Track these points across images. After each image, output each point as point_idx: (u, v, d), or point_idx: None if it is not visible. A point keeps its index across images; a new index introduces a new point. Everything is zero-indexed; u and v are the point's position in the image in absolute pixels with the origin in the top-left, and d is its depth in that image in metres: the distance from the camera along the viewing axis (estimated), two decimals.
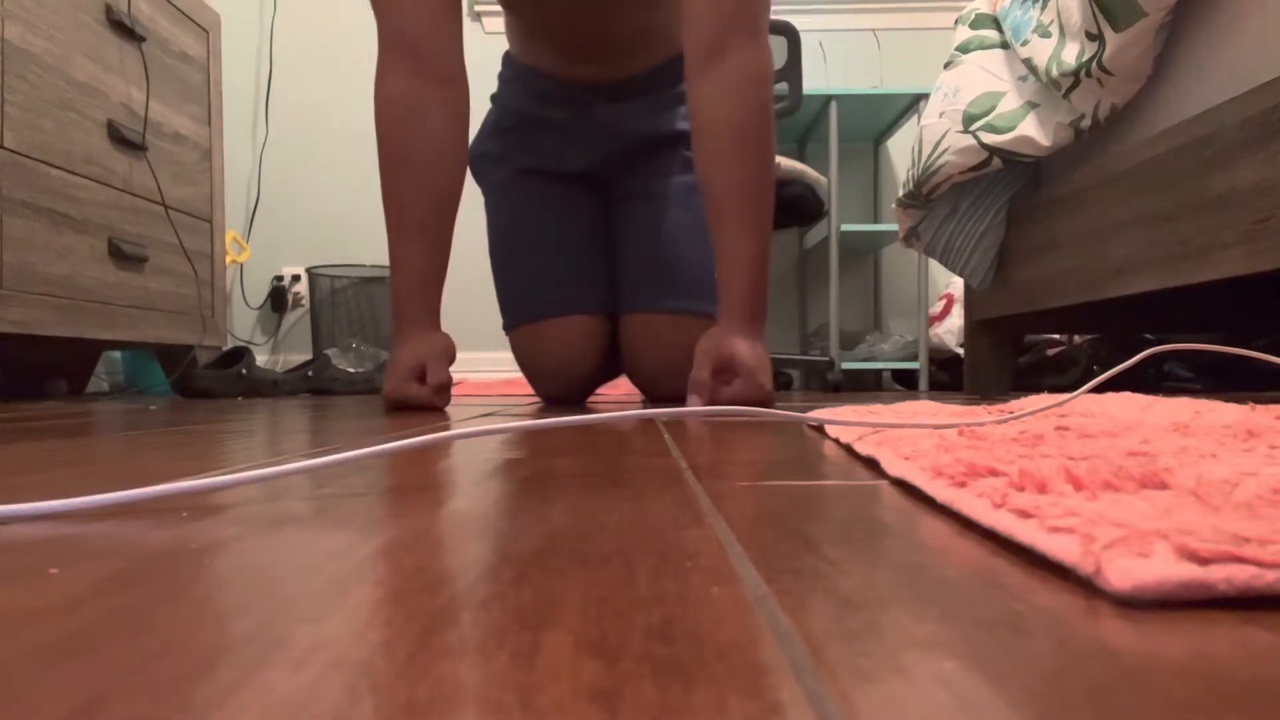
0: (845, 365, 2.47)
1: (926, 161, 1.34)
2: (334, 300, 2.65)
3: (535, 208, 1.26)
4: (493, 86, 1.34)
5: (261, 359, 2.88)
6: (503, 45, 1.33)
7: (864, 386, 2.77)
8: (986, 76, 1.30)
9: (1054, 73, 1.12)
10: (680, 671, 0.13)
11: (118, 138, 1.67)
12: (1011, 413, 0.54)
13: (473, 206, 1.58)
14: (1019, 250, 1.36)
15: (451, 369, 0.99)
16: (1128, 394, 0.76)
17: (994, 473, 0.29)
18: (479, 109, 1.39)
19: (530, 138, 1.27)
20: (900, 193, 1.46)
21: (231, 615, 0.17)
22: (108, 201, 1.65)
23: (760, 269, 0.96)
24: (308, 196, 2.92)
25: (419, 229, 1.01)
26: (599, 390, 1.45)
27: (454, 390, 1.71)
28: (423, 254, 1.01)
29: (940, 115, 1.32)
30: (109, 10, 1.65)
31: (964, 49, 1.37)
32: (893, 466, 0.35)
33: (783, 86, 1.92)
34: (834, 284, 2.39)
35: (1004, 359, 1.55)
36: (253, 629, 0.16)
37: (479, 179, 1.33)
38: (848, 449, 0.46)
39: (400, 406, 0.98)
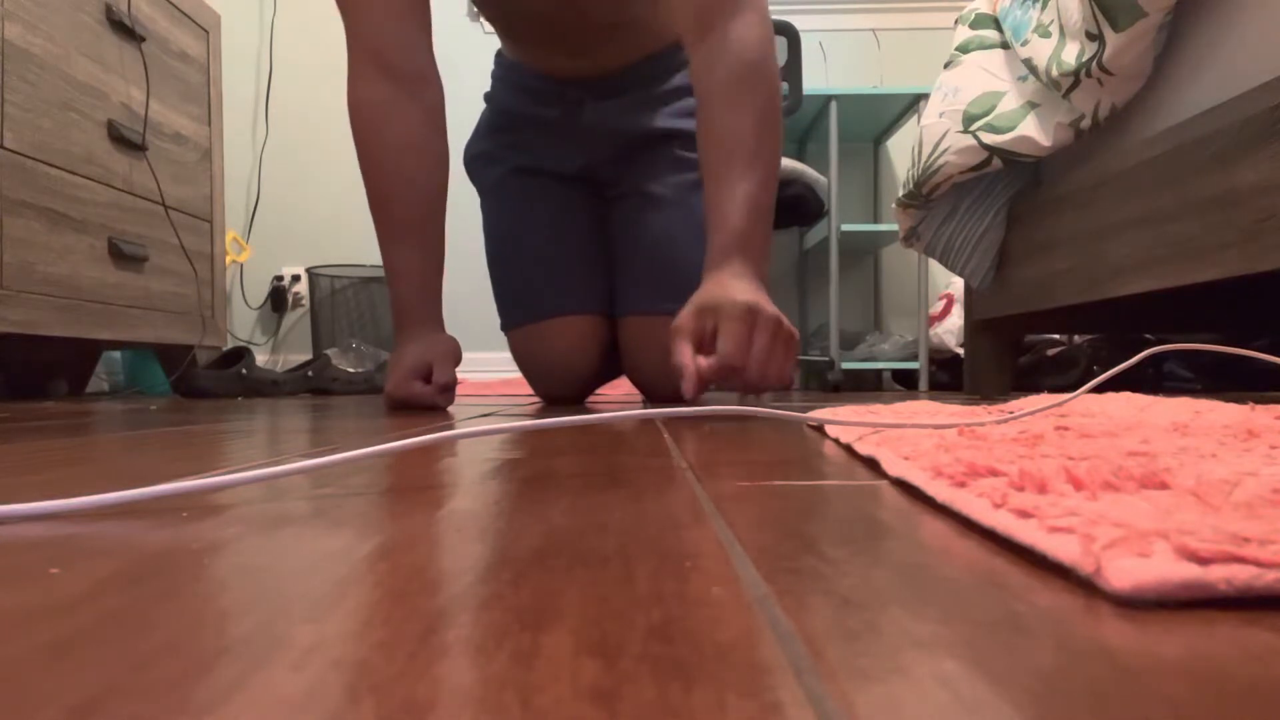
0: (845, 365, 2.47)
1: (926, 161, 1.34)
2: (334, 300, 2.65)
3: (531, 207, 1.26)
4: (489, 86, 1.34)
5: (261, 359, 2.88)
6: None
7: (864, 386, 2.77)
8: (986, 76, 1.30)
9: (1054, 73, 1.12)
10: (680, 671, 0.13)
11: (118, 138, 1.67)
12: (1011, 413, 0.54)
13: (471, 205, 1.58)
14: (1019, 250, 1.36)
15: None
16: (1128, 394, 0.76)
17: (994, 473, 0.29)
18: (475, 108, 1.40)
19: (523, 136, 1.27)
20: (900, 193, 1.46)
21: (231, 615, 0.17)
22: (108, 201, 1.65)
23: (759, 210, 0.88)
24: (308, 196, 2.92)
25: (409, 230, 1.01)
26: (599, 390, 1.45)
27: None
28: (418, 255, 1.01)
29: (940, 115, 1.32)
30: (109, 10, 1.65)
31: (964, 49, 1.37)
32: (893, 466, 0.35)
33: (783, 86, 1.92)
34: (834, 284, 2.39)
35: (1004, 359, 1.55)
36: (253, 629, 0.16)
37: (474, 179, 1.33)
38: (848, 449, 0.46)
39: (402, 406, 0.97)
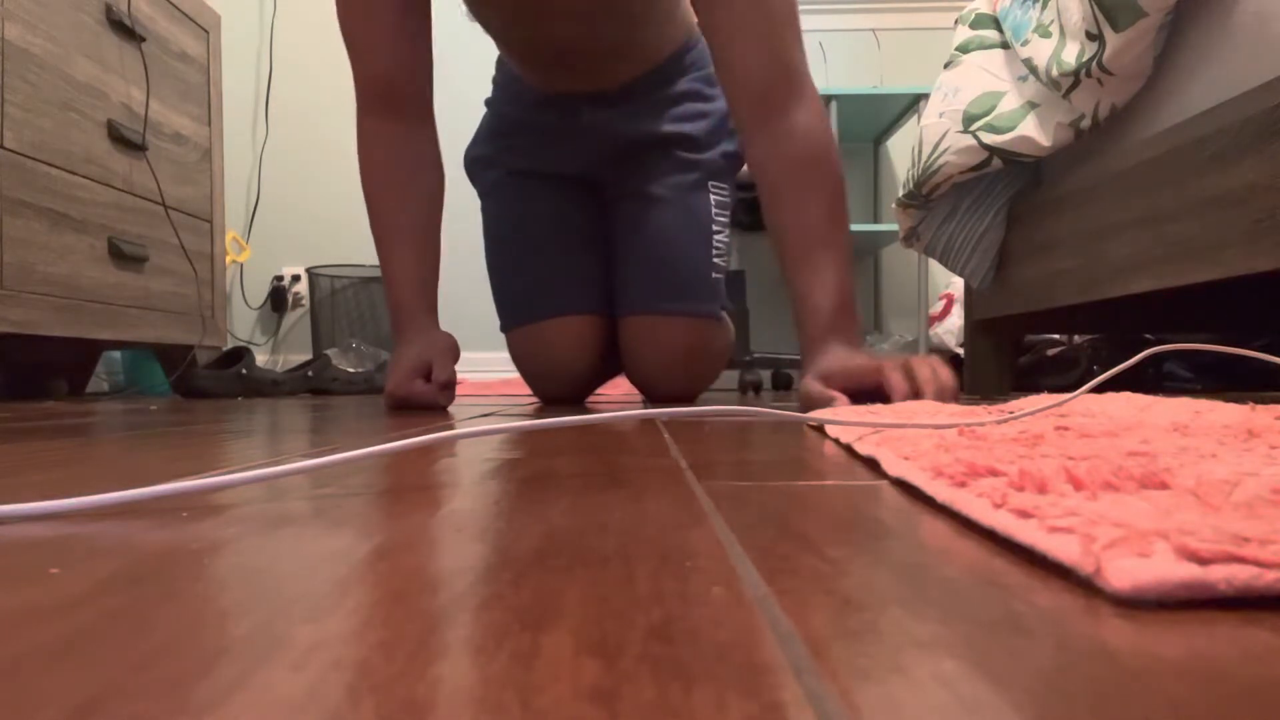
0: None
1: (926, 161, 1.34)
2: (334, 300, 2.64)
3: (529, 209, 1.26)
4: (487, 88, 1.35)
5: (261, 359, 2.88)
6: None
7: None
8: (986, 76, 1.30)
9: (1054, 73, 1.12)
10: (680, 671, 0.13)
11: (118, 138, 1.67)
12: (1011, 413, 0.54)
13: (471, 206, 1.58)
14: (1019, 250, 1.36)
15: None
16: (1128, 394, 0.76)
17: (994, 473, 0.29)
18: (472, 109, 1.40)
19: (522, 140, 1.27)
20: (900, 193, 1.46)
21: (231, 615, 0.17)
22: (108, 201, 1.65)
23: (845, 294, 0.87)
24: (308, 196, 2.92)
25: (409, 235, 1.04)
26: (599, 390, 1.45)
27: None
28: (414, 257, 1.04)
29: (940, 115, 1.32)
30: (109, 10, 1.65)
31: (964, 49, 1.37)
32: (893, 466, 0.35)
33: None
34: None
35: (1004, 359, 1.55)
36: (253, 629, 0.16)
37: (474, 182, 1.34)
38: (848, 449, 0.46)
39: (403, 405, 0.97)
